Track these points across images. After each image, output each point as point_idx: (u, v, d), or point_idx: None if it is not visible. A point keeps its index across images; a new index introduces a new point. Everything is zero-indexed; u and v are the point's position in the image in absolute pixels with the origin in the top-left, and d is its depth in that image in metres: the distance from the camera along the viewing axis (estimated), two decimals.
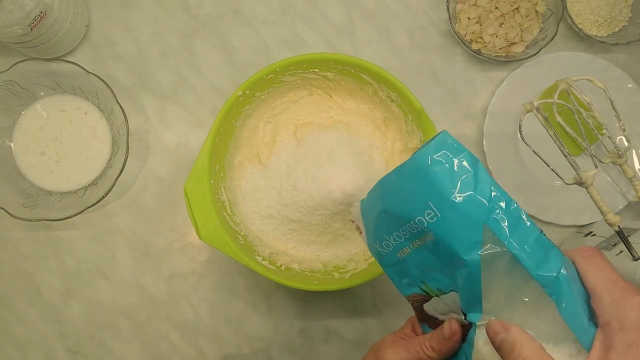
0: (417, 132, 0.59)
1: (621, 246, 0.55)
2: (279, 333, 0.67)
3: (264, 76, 0.58)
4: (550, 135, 0.54)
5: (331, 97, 0.64)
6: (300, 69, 0.59)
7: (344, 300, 0.67)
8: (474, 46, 0.67)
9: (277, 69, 0.58)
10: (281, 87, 0.62)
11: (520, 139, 0.55)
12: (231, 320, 0.67)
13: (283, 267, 0.60)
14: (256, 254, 0.59)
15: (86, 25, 0.68)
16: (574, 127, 0.55)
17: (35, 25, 0.59)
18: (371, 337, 0.67)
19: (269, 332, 0.67)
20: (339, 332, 0.67)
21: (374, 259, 0.61)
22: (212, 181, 0.57)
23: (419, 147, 0.60)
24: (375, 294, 0.67)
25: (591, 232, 0.64)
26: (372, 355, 0.45)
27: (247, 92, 0.58)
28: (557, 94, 0.55)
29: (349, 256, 0.62)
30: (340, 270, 0.60)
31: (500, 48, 0.67)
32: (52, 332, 0.66)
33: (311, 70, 0.60)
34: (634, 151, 0.67)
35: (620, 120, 0.55)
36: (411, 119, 0.59)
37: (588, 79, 0.54)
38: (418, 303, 0.44)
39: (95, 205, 0.63)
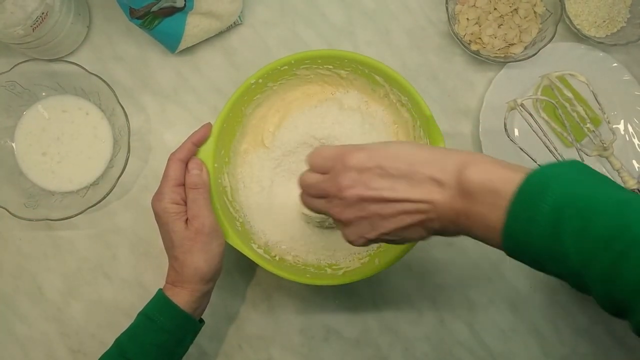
0: (424, 139, 0.59)
1: None
2: (279, 332, 0.67)
3: (279, 67, 0.58)
4: (534, 131, 0.54)
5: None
6: (315, 63, 0.60)
7: (344, 299, 0.67)
8: (473, 47, 0.67)
9: (293, 61, 0.58)
10: (294, 80, 0.62)
11: (514, 133, 0.55)
12: (232, 320, 0.67)
13: (277, 258, 0.60)
14: (252, 241, 0.60)
15: (87, 26, 0.69)
16: (560, 122, 0.55)
17: (37, 26, 0.60)
18: (371, 336, 0.67)
19: (269, 331, 0.67)
20: (339, 331, 0.67)
21: (367, 259, 0.61)
22: (216, 165, 0.58)
23: None
24: (375, 293, 0.67)
25: None
26: None
27: (260, 80, 0.59)
28: (540, 90, 0.55)
29: (344, 254, 0.63)
30: (334, 267, 0.61)
31: (499, 49, 0.67)
32: (54, 331, 0.67)
33: (325, 67, 0.60)
34: (635, 142, 0.67)
35: (604, 113, 0.56)
36: (419, 124, 0.59)
37: (570, 74, 0.55)
38: None
39: (97, 205, 0.63)
